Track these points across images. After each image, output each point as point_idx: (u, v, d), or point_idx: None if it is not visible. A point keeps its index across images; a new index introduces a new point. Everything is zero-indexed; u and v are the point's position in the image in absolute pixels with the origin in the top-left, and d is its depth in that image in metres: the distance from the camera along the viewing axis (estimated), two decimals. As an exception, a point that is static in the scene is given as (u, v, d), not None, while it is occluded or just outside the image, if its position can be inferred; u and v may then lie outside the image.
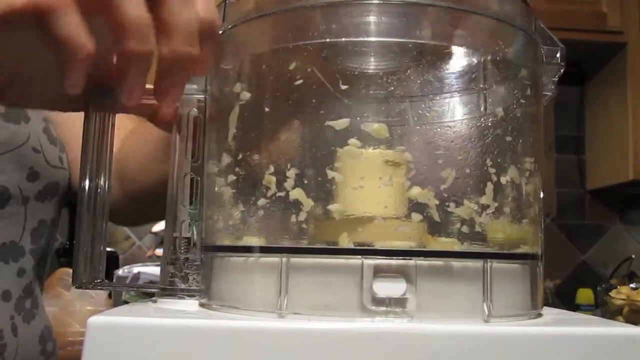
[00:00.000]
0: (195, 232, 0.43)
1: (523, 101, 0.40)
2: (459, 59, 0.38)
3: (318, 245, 0.35)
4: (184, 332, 0.32)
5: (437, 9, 0.37)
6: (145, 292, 0.46)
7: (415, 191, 0.34)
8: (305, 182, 0.36)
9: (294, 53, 0.37)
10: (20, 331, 0.61)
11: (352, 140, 0.35)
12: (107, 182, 0.44)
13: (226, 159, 0.40)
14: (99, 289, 0.43)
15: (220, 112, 0.42)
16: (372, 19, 0.37)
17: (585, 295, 2.06)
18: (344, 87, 0.36)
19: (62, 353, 0.74)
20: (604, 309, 0.96)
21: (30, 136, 0.62)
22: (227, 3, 0.41)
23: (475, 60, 0.38)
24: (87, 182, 0.43)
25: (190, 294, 0.41)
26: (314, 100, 0.37)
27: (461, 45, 0.38)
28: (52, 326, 0.69)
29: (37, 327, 0.64)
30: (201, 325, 0.33)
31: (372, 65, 0.38)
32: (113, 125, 0.44)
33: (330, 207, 0.35)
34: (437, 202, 0.35)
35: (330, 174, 0.35)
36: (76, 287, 0.43)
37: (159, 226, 2.20)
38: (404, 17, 0.37)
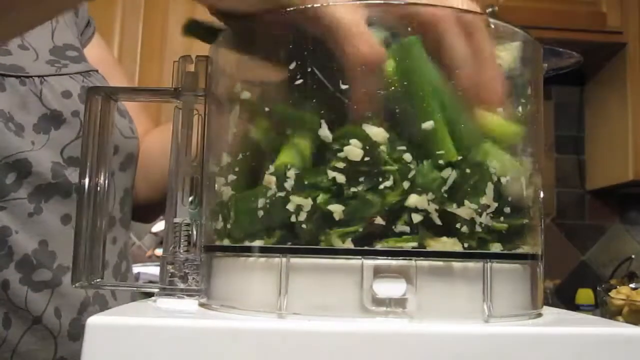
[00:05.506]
0: (195, 232, 0.43)
1: (523, 100, 0.40)
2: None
3: (318, 246, 0.35)
4: (183, 332, 0.32)
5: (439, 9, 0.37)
6: (145, 292, 0.46)
7: (413, 199, 0.34)
8: (306, 182, 0.35)
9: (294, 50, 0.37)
10: (117, 294, 0.67)
11: (353, 141, 0.35)
12: (106, 180, 0.44)
13: (226, 159, 0.40)
14: (98, 288, 0.43)
15: (220, 112, 0.42)
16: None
17: (585, 295, 2.07)
18: (344, 87, 0.36)
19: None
20: (603, 309, 0.96)
21: None
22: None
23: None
24: (86, 180, 0.43)
25: (189, 293, 0.41)
26: (314, 100, 0.37)
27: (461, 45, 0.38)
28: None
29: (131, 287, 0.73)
30: (201, 326, 0.33)
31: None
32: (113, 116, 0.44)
33: (331, 207, 0.35)
34: (436, 206, 0.35)
35: (331, 174, 0.35)
36: (75, 287, 0.43)
37: (159, 226, 2.21)
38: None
